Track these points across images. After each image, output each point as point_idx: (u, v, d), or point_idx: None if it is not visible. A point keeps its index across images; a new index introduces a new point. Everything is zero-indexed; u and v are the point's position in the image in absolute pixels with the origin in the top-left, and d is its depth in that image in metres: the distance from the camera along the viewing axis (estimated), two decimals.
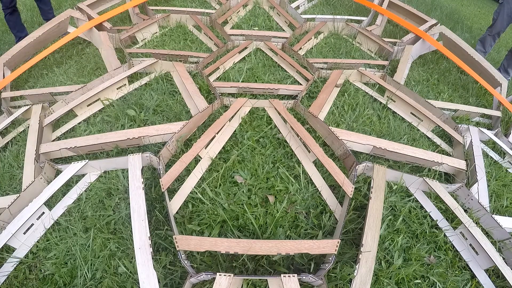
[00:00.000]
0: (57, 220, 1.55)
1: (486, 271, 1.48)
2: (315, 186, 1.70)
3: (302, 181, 1.71)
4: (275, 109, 2.09)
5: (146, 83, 2.35)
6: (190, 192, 1.63)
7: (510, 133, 2.25)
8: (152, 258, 1.28)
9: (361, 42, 3.02)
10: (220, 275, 1.23)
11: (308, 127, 2.05)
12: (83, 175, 1.71)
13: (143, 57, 2.59)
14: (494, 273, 1.49)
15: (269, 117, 2.10)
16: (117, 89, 2.25)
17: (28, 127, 1.95)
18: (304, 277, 1.29)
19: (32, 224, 1.50)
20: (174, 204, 1.57)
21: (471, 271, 1.48)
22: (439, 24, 3.06)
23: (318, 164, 1.79)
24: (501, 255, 1.48)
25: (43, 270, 1.39)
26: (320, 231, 1.52)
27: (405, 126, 2.18)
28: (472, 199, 1.68)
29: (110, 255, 1.41)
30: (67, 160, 1.84)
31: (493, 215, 1.60)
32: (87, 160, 1.67)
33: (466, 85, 2.76)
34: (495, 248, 1.49)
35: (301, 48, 2.86)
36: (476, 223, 1.57)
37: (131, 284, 1.32)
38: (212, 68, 2.46)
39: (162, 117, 2.09)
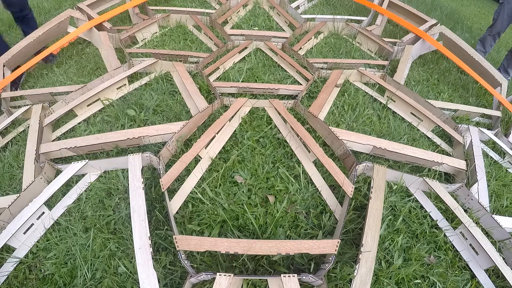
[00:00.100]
0: (57, 220, 1.55)
1: (486, 271, 1.48)
2: (315, 186, 1.70)
3: (302, 181, 1.71)
4: (275, 109, 2.09)
5: (146, 83, 2.35)
6: (190, 192, 1.63)
7: (510, 133, 2.25)
8: (152, 258, 1.28)
9: (361, 42, 3.02)
10: (220, 275, 1.23)
11: (308, 127, 2.05)
12: (83, 175, 1.71)
13: (143, 57, 2.59)
14: (494, 273, 1.49)
15: (269, 117, 2.10)
16: (117, 89, 2.25)
17: (28, 127, 1.95)
18: (304, 277, 1.29)
19: (32, 224, 1.50)
20: (174, 204, 1.57)
21: (471, 271, 1.48)
22: (439, 24, 3.06)
23: (318, 164, 1.79)
24: (501, 255, 1.48)
25: (43, 270, 1.39)
26: (320, 231, 1.52)
27: (405, 126, 2.18)
28: (472, 199, 1.68)
29: (110, 255, 1.41)
30: (67, 160, 1.84)
31: (493, 215, 1.60)
32: (87, 160, 1.67)
33: (466, 85, 2.76)
34: (495, 248, 1.49)
35: (301, 48, 2.86)
36: (476, 223, 1.57)
37: (131, 284, 1.32)
38: (212, 68, 2.46)
39: (162, 117, 2.09)
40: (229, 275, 1.22)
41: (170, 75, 2.45)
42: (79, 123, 2.06)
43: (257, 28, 3.14)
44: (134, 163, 1.63)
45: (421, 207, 1.68)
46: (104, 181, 1.70)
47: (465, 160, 1.91)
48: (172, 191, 1.64)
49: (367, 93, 2.40)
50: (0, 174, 1.77)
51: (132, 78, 2.39)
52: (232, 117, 2.03)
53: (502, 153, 2.12)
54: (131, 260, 1.40)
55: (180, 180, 1.71)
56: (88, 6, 3.00)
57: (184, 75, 2.31)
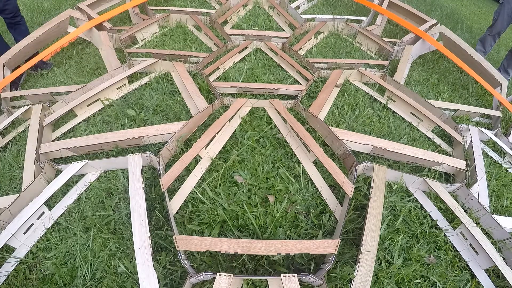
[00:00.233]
0: (57, 220, 1.55)
1: (486, 271, 1.48)
2: (315, 186, 1.70)
3: (302, 181, 1.71)
4: (275, 109, 2.09)
5: (146, 83, 2.35)
6: (190, 192, 1.63)
7: (510, 133, 2.25)
8: (152, 258, 1.28)
9: (361, 42, 3.02)
10: (220, 275, 1.23)
11: (308, 127, 2.05)
12: (83, 175, 1.71)
13: (143, 57, 2.59)
14: (494, 273, 1.49)
15: (269, 117, 2.10)
16: (117, 89, 2.25)
17: (28, 127, 1.95)
18: (304, 277, 1.29)
19: (32, 224, 1.50)
20: (174, 204, 1.57)
21: (471, 271, 1.48)
22: (439, 24, 3.06)
23: (318, 164, 1.79)
24: (501, 255, 1.48)
25: (43, 270, 1.39)
26: (320, 231, 1.52)
27: (405, 126, 2.18)
28: (472, 199, 1.68)
29: (110, 255, 1.41)
30: (67, 160, 1.84)
31: (493, 215, 1.60)
32: (87, 160, 1.67)
33: (466, 85, 2.76)
34: (495, 248, 1.49)
35: (301, 48, 2.86)
36: (476, 223, 1.57)
37: (131, 284, 1.32)
38: (212, 68, 2.46)
39: (162, 117, 2.09)
40: (229, 275, 1.22)
41: (170, 75, 2.45)
42: (79, 123, 2.06)
43: (257, 28, 3.14)
44: (134, 163, 1.63)
45: (421, 207, 1.68)
46: (104, 181, 1.70)
47: (465, 160, 1.91)
48: (172, 191, 1.64)
49: (367, 93, 2.40)
50: (0, 174, 1.77)
51: (132, 78, 2.39)
52: (232, 117, 2.03)
53: (502, 153, 2.12)
54: (131, 260, 1.40)
55: (180, 180, 1.71)
56: (88, 6, 3.00)
57: (184, 75, 2.31)
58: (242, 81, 2.40)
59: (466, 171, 1.84)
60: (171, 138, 1.78)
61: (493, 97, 2.60)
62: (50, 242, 1.47)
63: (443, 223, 1.61)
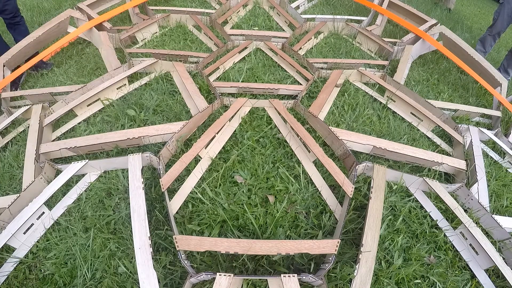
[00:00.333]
0: (57, 220, 1.55)
1: (486, 271, 1.48)
2: (315, 186, 1.70)
3: (302, 181, 1.71)
4: (275, 109, 2.09)
5: (146, 83, 2.35)
6: (190, 192, 1.63)
7: (510, 133, 2.25)
8: (152, 258, 1.28)
9: (361, 42, 3.02)
10: (220, 275, 1.23)
11: (308, 127, 2.05)
12: (83, 175, 1.71)
13: (143, 57, 2.59)
14: (494, 273, 1.49)
15: (269, 117, 2.10)
16: (117, 89, 2.25)
17: (28, 127, 1.95)
18: (304, 277, 1.29)
19: (32, 224, 1.50)
20: (174, 204, 1.57)
21: (471, 271, 1.48)
22: (439, 24, 3.06)
23: (318, 164, 1.79)
24: (501, 255, 1.48)
25: (43, 270, 1.39)
26: (320, 231, 1.52)
27: (405, 126, 2.18)
28: (472, 199, 1.68)
29: (110, 255, 1.41)
30: (67, 160, 1.84)
31: (493, 215, 1.60)
32: (87, 160, 1.67)
33: (466, 85, 2.76)
34: (495, 248, 1.49)
35: (301, 48, 2.86)
36: (476, 223, 1.57)
37: (131, 284, 1.32)
38: (212, 68, 2.46)
39: (162, 117, 2.09)
40: (229, 275, 1.22)
41: (170, 75, 2.45)
42: (79, 123, 2.06)
43: (257, 28, 3.14)
44: (134, 163, 1.63)
45: (421, 207, 1.68)
46: (104, 181, 1.70)
47: (465, 160, 1.91)
48: (172, 191, 1.64)
49: (367, 93, 2.40)
50: (0, 174, 1.77)
51: (132, 78, 2.39)
52: (232, 117, 2.03)
53: (502, 153, 2.12)
54: (131, 260, 1.40)
55: (180, 180, 1.71)
56: (88, 6, 3.00)
57: (184, 75, 2.31)
58: (242, 81, 2.40)
59: (466, 171, 1.84)
60: (171, 138, 1.78)
61: (493, 97, 2.60)
62: (50, 242, 1.47)
63: (443, 223, 1.61)
